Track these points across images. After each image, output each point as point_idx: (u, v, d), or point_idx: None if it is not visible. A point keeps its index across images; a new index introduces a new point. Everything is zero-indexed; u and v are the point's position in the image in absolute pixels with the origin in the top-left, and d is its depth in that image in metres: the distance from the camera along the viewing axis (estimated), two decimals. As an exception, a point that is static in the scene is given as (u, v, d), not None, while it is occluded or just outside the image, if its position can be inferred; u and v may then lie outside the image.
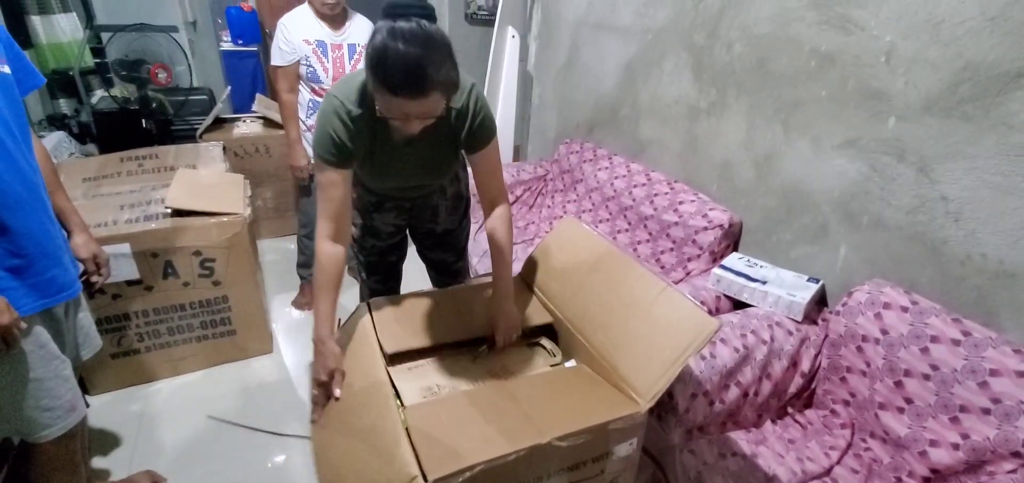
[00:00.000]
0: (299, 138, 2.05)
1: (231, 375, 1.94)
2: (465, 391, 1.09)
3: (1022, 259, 1.10)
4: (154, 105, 2.74)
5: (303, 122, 2.04)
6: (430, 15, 0.95)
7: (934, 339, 1.17)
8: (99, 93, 2.80)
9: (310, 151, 2.01)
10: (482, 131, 1.19)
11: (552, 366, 1.22)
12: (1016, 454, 1.02)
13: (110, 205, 1.78)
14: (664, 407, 1.26)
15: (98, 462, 1.57)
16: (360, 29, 2.04)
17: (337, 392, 1.07)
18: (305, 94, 2.01)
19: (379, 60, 0.92)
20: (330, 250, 1.12)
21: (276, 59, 1.94)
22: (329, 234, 1.12)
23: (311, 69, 1.95)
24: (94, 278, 1.29)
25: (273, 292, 2.39)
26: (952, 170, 1.19)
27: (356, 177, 1.30)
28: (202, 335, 1.90)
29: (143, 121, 2.60)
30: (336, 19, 1.98)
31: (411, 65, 0.90)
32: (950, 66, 1.16)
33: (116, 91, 2.78)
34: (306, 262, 2.27)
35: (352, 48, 2.01)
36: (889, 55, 1.27)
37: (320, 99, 1.96)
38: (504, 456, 0.87)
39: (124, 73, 2.59)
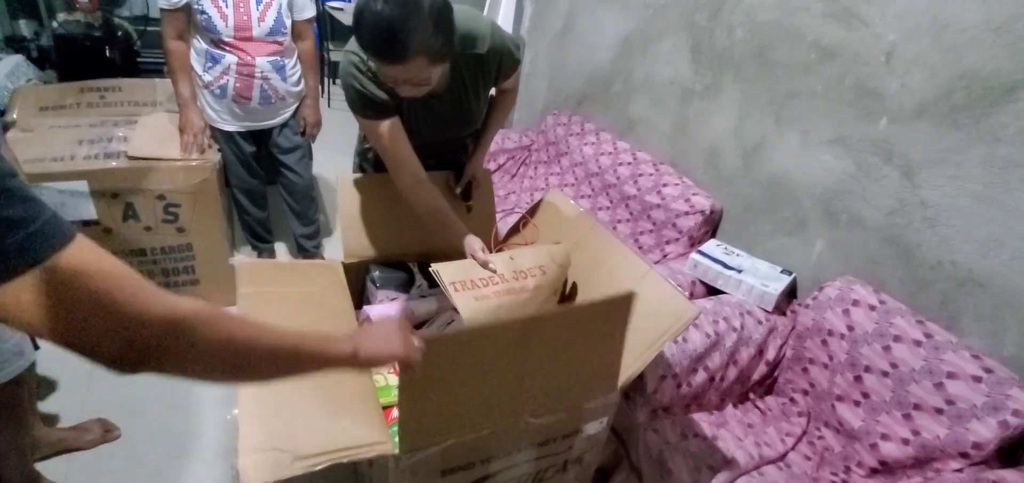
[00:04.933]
0: (193, 96, 1.69)
1: (194, 325, 1.88)
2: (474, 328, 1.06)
3: (993, 269, 1.13)
4: (119, 33, 2.55)
5: (199, 77, 1.69)
6: None
7: (897, 338, 1.21)
8: (62, 16, 2.60)
9: (210, 111, 1.74)
10: (511, 62, 1.20)
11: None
12: (964, 454, 1.06)
13: (67, 138, 1.67)
14: (632, 387, 1.28)
15: (47, 407, 1.51)
16: None
17: (491, 266, 1.11)
18: (201, 44, 1.65)
19: (356, 20, 0.90)
20: (422, 193, 1.14)
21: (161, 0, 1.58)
22: (411, 181, 1.14)
23: (205, 15, 1.57)
24: None
25: (242, 242, 2.31)
26: (935, 176, 1.21)
27: None
28: (163, 283, 1.80)
29: (106, 50, 2.43)
30: None
31: (385, 28, 0.87)
32: (948, 72, 1.16)
33: (79, 16, 2.58)
34: (256, 233, 2.10)
35: None
36: (890, 55, 1.27)
37: (220, 52, 1.64)
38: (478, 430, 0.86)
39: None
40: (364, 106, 1.08)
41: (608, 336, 0.94)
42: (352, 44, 1.06)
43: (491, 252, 1.27)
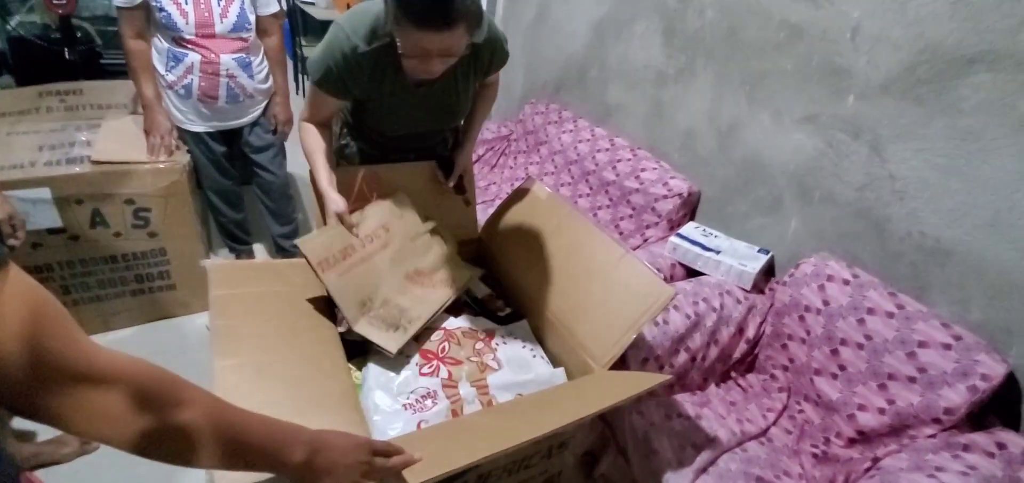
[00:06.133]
0: (157, 97, 1.62)
1: (170, 331, 1.84)
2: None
3: (959, 238, 1.16)
4: (79, 34, 2.46)
5: (162, 77, 1.63)
6: None
7: (870, 311, 1.23)
8: (17, 18, 2.50)
9: (175, 112, 1.68)
10: (502, 55, 1.19)
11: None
12: (936, 420, 1.09)
13: (27, 145, 1.61)
14: (615, 370, 1.28)
15: (22, 422, 1.47)
16: None
17: (355, 231, 1.10)
18: (162, 43, 1.59)
19: None
20: (315, 130, 1.14)
21: None
22: (311, 125, 1.15)
23: (165, 13, 1.51)
24: (11, 241, 1.17)
25: (219, 245, 2.26)
26: (902, 150, 1.23)
27: (361, 128, 1.27)
28: (138, 289, 1.77)
29: (66, 52, 2.34)
30: None
31: None
32: (911, 47, 1.18)
33: (36, 17, 2.48)
34: (232, 235, 2.06)
35: None
36: (855, 32, 1.28)
37: (182, 50, 1.58)
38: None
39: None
40: (324, 80, 1.07)
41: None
42: (348, 22, 1.03)
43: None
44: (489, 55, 1.16)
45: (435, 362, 1.05)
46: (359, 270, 1.08)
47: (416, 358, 1.05)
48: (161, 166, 1.65)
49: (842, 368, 1.27)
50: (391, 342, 1.01)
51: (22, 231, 1.21)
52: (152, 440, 0.46)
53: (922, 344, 1.14)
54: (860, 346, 1.23)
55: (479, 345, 1.11)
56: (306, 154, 1.15)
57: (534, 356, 1.14)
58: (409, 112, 1.18)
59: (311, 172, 1.14)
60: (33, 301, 0.40)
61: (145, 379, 0.45)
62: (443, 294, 1.16)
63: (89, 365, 0.42)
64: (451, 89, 1.17)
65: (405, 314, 1.08)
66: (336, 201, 1.08)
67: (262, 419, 0.56)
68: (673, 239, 1.63)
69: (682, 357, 1.35)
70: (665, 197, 1.78)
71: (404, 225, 1.21)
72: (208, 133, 1.75)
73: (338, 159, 1.41)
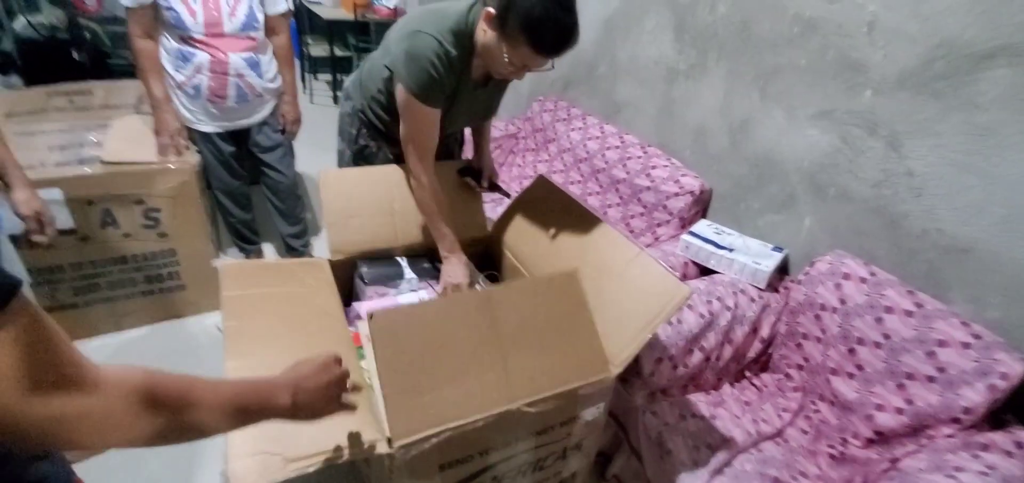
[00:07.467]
0: (166, 97, 1.62)
1: (181, 331, 1.84)
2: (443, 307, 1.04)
3: (975, 235, 1.14)
4: (87, 35, 2.47)
5: (171, 77, 1.63)
6: None
7: (888, 310, 1.22)
8: (24, 18, 2.51)
9: (184, 112, 1.68)
10: None
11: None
12: (956, 420, 1.08)
13: (38, 146, 1.61)
14: (629, 371, 1.27)
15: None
16: None
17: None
18: (170, 42, 1.59)
19: (538, 24, 0.95)
20: (433, 188, 1.18)
21: None
22: (432, 169, 1.18)
23: (173, 12, 1.51)
24: (37, 237, 1.18)
25: (228, 245, 2.27)
26: (919, 146, 1.21)
27: (388, 130, 1.29)
28: (148, 290, 1.78)
29: (73, 53, 2.35)
30: None
31: (569, 33, 0.97)
32: (927, 41, 1.16)
33: (43, 17, 2.49)
34: (241, 235, 2.05)
35: None
36: (871, 26, 1.26)
37: (191, 50, 1.58)
38: (474, 421, 0.85)
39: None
40: (431, 91, 1.08)
41: (571, 313, 1.01)
42: (432, 25, 1.05)
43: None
44: None
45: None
46: None
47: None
48: (171, 166, 1.65)
49: (859, 367, 1.25)
50: None
51: (51, 228, 1.22)
52: (160, 433, 0.50)
53: (941, 343, 1.12)
54: (878, 345, 1.22)
55: None
56: (430, 220, 1.21)
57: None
58: (463, 113, 1.21)
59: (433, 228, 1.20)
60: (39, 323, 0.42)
61: (136, 380, 0.48)
62: None
63: (82, 374, 0.44)
64: (498, 91, 1.24)
65: None
66: (455, 278, 1.18)
67: (248, 382, 0.62)
68: (685, 237, 1.61)
69: (696, 356, 1.34)
70: (677, 195, 1.76)
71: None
72: (217, 133, 1.75)
73: (357, 161, 1.41)
